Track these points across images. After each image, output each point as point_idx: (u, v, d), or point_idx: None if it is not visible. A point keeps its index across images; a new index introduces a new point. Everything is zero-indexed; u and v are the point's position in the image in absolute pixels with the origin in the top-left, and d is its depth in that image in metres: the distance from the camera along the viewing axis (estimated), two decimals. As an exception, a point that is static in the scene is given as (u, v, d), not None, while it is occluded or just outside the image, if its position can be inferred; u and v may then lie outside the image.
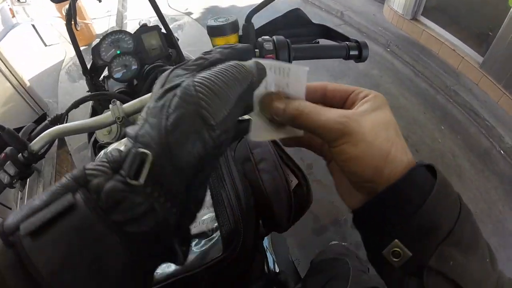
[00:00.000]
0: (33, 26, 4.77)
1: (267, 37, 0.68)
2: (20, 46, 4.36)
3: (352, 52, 0.76)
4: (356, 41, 0.78)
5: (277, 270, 0.99)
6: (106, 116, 0.67)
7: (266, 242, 1.00)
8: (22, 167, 0.62)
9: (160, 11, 1.09)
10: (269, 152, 0.63)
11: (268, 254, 0.93)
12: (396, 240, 0.32)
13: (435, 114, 3.29)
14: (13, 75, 3.01)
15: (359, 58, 0.78)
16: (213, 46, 0.70)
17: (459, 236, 0.32)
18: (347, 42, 0.77)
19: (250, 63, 0.32)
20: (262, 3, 0.66)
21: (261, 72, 0.33)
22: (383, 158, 0.33)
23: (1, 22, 4.44)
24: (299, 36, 0.81)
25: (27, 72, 3.39)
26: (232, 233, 0.50)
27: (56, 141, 0.74)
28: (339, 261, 0.96)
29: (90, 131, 0.75)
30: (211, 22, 0.69)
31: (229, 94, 0.29)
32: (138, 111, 0.68)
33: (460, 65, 3.74)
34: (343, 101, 0.39)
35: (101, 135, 0.82)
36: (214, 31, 0.69)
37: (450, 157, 2.89)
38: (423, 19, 4.25)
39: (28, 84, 3.17)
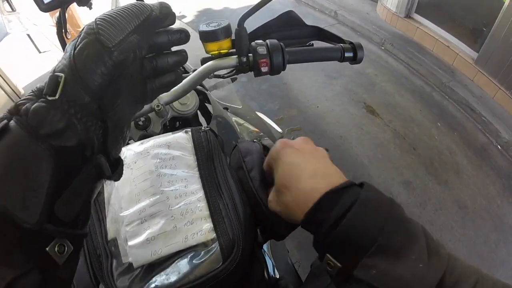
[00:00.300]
0: (28, 35, 4.73)
1: (260, 41, 0.68)
2: (14, 54, 4.32)
3: (347, 54, 0.75)
4: (351, 43, 0.77)
5: (277, 276, 0.97)
6: None
7: (265, 246, 0.98)
8: None
9: None
10: (260, 160, 0.61)
11: (267, 259, 0.91)
12: (327, 254, 0.39)
13: (432, 111, 3.29)
14: (6, 83, 2.99)
15: (354, 60, 0.77)
16: (206, 51, 0.70)
17: (384, 246, 0.36)
18: (341, 44, 0.76)
19: (155, 3, 0.40)
20: (254, 7, 0.64)
21: (164, 9, 0.40)
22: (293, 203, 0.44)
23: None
24: (293, 38, 0.80)
25: (22, 80, 3.37)
26: (231, 244, 0.49)
27: None
28: None
29: None
30: (203, 27, 0.68)
31: (123, 23, 0.36)
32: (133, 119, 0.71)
33: (455, 62, 3.75)
34: None
35: None
36: (206, 36, 0.68)
37: (447, 154, 2.89)
38: (417, 17, 4.25)
39: (22, 91, 3.15)
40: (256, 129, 1.21)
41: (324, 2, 5.10)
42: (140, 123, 0.86)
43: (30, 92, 0.34)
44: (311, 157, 0.48)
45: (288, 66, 0.70)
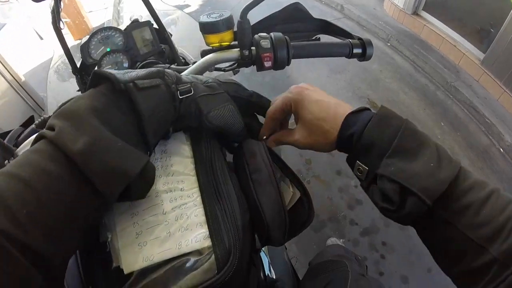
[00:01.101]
0: (29, 22, 4.71)
1: (264, 34, 0.67)
2: (15, 42, 4.29)
3: (355, 50, 0.74)
4: (360, 39, 0.75)
5: (274, 276, 0.96)
6: None
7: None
8: None
9: (151, 5, 1.04)
10: (264, 163, 0.58)
11: (263, 256, 0.90)
12: (357, 161, 0.49)
13: (435, 110, 3.26)
14: (7, 70, 2.96)
15: (363, 57, 0.76)
16: (206, 43, 0.69)
17: (400, 149, 0.44)
18: (350, 40, 0.74)
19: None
20: None
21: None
22: (329, 116, 0.53)
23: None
24: (298, 31, 0.78)
25: (23, 67, 3.37)
26: (227, 253, 0.46)
27: None
28: (338, 264, 0.93)
29: None
30: (204, 18, 0.66)
31: None
32: None
33: (461, 61, 3.71)
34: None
35: None
36: (207, 28, 0.66)
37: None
38: (424, 14, 4.20)
39: (23, 79, 3.13)
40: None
41: None
42: None
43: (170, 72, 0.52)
44: (325, 94, 0.57)
45: (293, 61, 0.69)
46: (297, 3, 0.75)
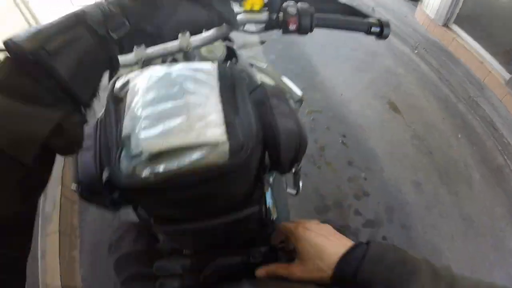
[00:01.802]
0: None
1: (292, 2, 0.75)
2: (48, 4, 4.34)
3: (373, 29, 0.81)
4: (379, 19, 0.82)
5: (274, 217, 1.00)
6: (128, 57, 0.78)
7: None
8: None
9: None
10: (285, 102, 0.67)
11: (268, 196, 0.95)
12: None
13: (454, 121, 3.23)
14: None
15: (380, 36, 0.83)
16: (239, 5, 0.76)
17: (394, 283, 0.50)
18: (370, 19, 0.82)
19: None
20: None
21: None
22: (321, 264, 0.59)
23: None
24: (323, 11, 0.82)
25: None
26: (240, 146, 0.52)
27: None
28: None
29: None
30: None
31: None
32: (160, 56, 0.80)
33: (486, 79, 3.67)
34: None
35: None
36: None
37: (462, 165, 2.84)
38: (455, 27, 4.15)
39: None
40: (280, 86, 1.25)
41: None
42: (167, 62, 0.91)
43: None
44: (327, 233, 0.64)
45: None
46: None
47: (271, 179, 1.06)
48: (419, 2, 4.66)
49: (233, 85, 0.62)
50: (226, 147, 0.52)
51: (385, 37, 0.82)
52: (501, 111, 3.37)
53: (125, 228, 0.92)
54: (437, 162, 2.79)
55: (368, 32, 0.81)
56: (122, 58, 0.80)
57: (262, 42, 1.26)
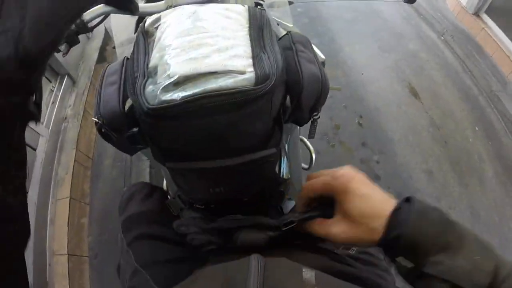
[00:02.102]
0: None
1: None
2: None
3: None
4: None
5: (287, 176, 1.01)
6: (158, 4, 0.79)
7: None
8: (71, 33, 0.75)
9: None
10: (309, 50, 0.67)
11: (283, 153, 0.95)
12: (401, 257, 0.48)
13: (473, 113, 3.18)
14: None
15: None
16: None
17: (443, 245, 0.45)
18: None
19: None
20: None
21: None
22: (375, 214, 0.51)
23: None
24: None
25: None
26: (265, 76, 0.53)
27: (96, 55, 0.93)
28: None
29: (142, 15, 0.84)
30: None
31: None
32: (191, 2, 0.77)
33: (511, 74, 3.58)
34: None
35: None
36: None
37: (476, 159, 2.81)
38: (485, 17, 4.00)
39: None
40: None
41: None
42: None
43: None
44: (371, 186, 0.55)
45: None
46: None
47: (286, 146, 1.08)
48: None
49: (262, 27, 0.63)
50: (252, 75, 0.53)
51: (413, 1, 0.83)
52: (522, 109, 3.31)
53: (135, 188, 0.91)
54: (451, 153, 2.76)
55: None
56: (153, 5, 0.80)
57: (291, 3, 1.25)
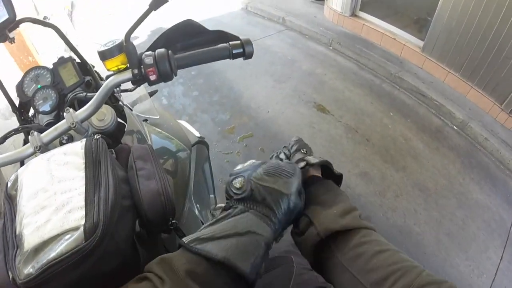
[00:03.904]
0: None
1: (149, 52, 0.75)
2: None
3: (235, 51, 0.80)
4: (240, 39, 0.81)
5: None
6: (25, 147, 0.79)
7: None
8: None
9: (70, 42, 1.20)
10: (150, 162, 0.73)
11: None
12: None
13: (383, 102, 3.28)
14: None
15: (244, 55, 0.82)
16: (107, 69, 0.78)
17: (321, 201, 0.62)
18: (230, 42, 0.81)
19: None
20: (136, 21, 0.70)
21: None
22: None
23: None
24: (198, 45, 0.83)
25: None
26: (94, 227, 0.55)
27: None
28: (283, 260, 0.98)
29: (13, 163, 0.86)
30: (100, 48, 0.76)
31: None
32: (55, 138, 0.80)
33: (402, 52, 3.79)
34: None
35: None
36: (103, 55, 0.76)
37: (402, 140, 2.87)
38: (362, 14, 4.31)
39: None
40: (172, 137, 1.32)
41: (271, 9, 5.14)
42: (64, 141, 0.94)
43: None
44: None
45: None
46: (188, 20, 0.81)
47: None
48: (325, 0, 4.81)
49: (99, 160, 0.66)
50: (81, 231, 0.55)
51: (249, 55, 0.81)
52: (425, 77, 3.46)
53: None
54: (376, 146, 2.80)
55: (231, 56, 0.80)
56: (19, 151, 0.82)
57: (152, 94, 1.26)
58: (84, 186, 0.62)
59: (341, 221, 0.55)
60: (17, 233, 0.58)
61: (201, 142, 1.44)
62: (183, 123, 1.51)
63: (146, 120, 1.32)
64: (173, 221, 0.75)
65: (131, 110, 1.26)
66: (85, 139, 0.73)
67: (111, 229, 0.58)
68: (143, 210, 0.66)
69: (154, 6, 0.72)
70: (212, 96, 3.42)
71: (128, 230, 0.64)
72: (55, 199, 0.59)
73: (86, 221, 0.56)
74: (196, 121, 3.11)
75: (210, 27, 0.76)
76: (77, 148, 0.69)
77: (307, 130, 2.94)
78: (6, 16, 0.95)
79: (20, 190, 0.65)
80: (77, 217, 0.57)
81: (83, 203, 0.59)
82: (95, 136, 0.75)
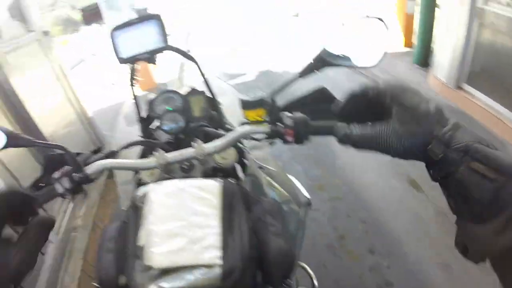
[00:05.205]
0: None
1: (288, 113, 0.74)
2: (86, 79, 5.30)
3: None
4: None
5: None
6: (150, 160, 0.86)
7: None
8: (75, 184, 0.78)
9: (207, 80, 1.30)
10: (279, 220, 0.76)
11: None
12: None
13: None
14: (78, 102, 3.32)
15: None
16: (245, 117, 0.82)
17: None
18: None
19: None
20: (282, 84, 0.75)
21: None
22: None
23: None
24: (324, 113, 0.78)
25: (91, 104, 3.76)
26: (230, 271, 0.61)
27: (106, 172, 0.92)
28: None
29: (135, 170, 0.98)
30: (244, 97, 0.81)
31: None
32: (178, 161, 0.88)
33: (506, 134, 3.62)
34: None
35: (144, 175, 1.01)
36: (246, 105, 0.80)
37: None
38: (467, 87, 4.19)
39: (89, 114, 3.49)
40: (285, 192, 1.33)
41: (376, 71, 5.17)
42: (185, 166, 1.01)
43: None
44: None
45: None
46: (323, 88, 0.79)
47: None
48: (430, 67, 4.77)
49: (233, 205, 0.72)
50: (218, 272, 0.61)
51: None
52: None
53: None
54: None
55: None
56: (144, 161, 0.88)
57: (272, 144, 1.32)
58: (220, 227, 0.66)
59: None
60: (140, 244, 0.65)
61: (308, 204, 1.32)
62: (292, 179, 1.48)
63: (261, 167, 1.37)
64: (292, 282, 0.80)
65: (249, 153, 1.30)
66: (221, 180, 0.79)
67: (244, 276, 0.63)
68: (267, 264, 0.70)
69: (302, 74, 0.75)
70: (309, 150, 3.60)
71: (250, 279, 0.68)
72: (189, 230, 0.65)
73: (224, 263, 0.61)
74: (289, 171, 3.18)
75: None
76: (213, 187, 0.75)
77: (397, 205, 2.90)
78: (163, 45, 1.11)
79: (148, 205, 0.70)
80: (212, 255, 0.62)
81: (219, 244, 0.64)
82: (232, 180, 0.82)
